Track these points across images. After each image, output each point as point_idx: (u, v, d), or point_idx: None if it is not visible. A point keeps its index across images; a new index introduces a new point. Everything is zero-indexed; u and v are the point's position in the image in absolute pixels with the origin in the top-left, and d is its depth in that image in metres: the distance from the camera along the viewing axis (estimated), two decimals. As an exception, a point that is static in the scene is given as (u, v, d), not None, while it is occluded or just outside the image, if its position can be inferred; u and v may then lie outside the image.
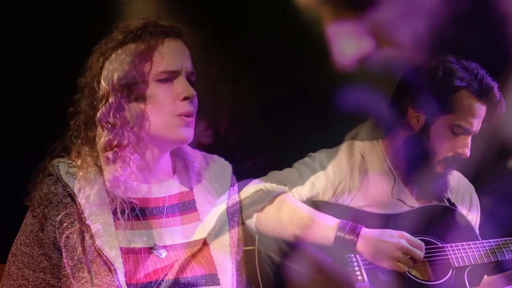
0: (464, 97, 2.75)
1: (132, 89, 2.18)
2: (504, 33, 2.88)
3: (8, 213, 2.49)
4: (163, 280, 2.18)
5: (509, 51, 2.89)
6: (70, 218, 2.17)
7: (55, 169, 2.22)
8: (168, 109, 2.20)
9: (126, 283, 2.13)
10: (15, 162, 2.76)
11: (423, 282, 2.61)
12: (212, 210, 2.32)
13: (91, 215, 2.15)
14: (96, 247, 2.13)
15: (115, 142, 2.18)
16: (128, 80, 2.17)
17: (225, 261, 2.27)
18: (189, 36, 2.28)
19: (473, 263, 2.66)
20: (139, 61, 2.18)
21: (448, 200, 2.88)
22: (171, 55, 2.22)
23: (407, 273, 2.50)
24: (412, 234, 2.53)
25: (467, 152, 2.78)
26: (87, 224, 2.14)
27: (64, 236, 2.16)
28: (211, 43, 2.60)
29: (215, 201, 2.35)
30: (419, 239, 2.55)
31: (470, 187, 3.01)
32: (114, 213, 2.18)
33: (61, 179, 2.20)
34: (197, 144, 3.05)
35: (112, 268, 2.12)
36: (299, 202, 2.56)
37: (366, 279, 2.48)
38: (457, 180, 2.96)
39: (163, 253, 2.22)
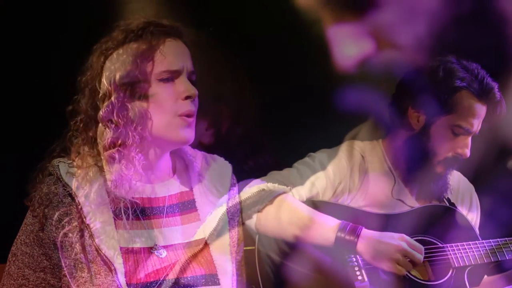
0: (465, 97, 2.76)
1: (134, 88, 2.18)
2: (504, 33, 2.88)
3: (8, 213, 2.49)
4: (163, 280, 2.18)
5: (509, 52, 2.89)
6: (70, 217, 2.17)
7: (55, 169, 2.22)
8: (170, 109, 2.20)
9: (126, 283, 2.13)
10: (15, 162, 2.76)
11: (423, 282, 2.61)
12: (213, 210, 2.32)
13: (90, 214, 2.15)
14: (95, 246, 2.13)
15: (119, 141, 2.18)
16: (130, 79, 2.18)
17: (225, 261, 2.28)
18: (189, 36, 2.29)
19: (473, 263, 2.66)
20: (141, 60, 2.18)
21: (448, 200, 2.88)
22: (172, 54, 2.22)
23: (407, 273, 2.50)
24: (412, 234, 2.53)
25: (467, 152, 2.78)
26: (87, 223, 2.14)
27: (64, 235, 2.15)
28: (211, 43, 2.60)
29: (216, 201, 2.35)
30: (419, 239, 2.56)
31: (470, 187, 3.01)
32: (115, 213, 2.18)
33: (61, 179, 2.20)
34: (198, 144, 3.06)
35: (112, 268, 2.12)
36: (299, 202, 2.56)
37: (366, 279, 2.49)
38: (457, 180, 2.96)
39: (163, 253, 2.22)
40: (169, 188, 2.31)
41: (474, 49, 2.87)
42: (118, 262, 2.13)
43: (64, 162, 2.24)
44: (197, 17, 2.53)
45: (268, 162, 3.17)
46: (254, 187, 2.50)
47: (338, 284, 2.55)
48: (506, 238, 2.74)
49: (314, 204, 2.66)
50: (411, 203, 2.85)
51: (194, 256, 2.24)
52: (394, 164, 2.89)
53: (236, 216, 2.38)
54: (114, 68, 2.19)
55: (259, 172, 2.73)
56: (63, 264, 2.15)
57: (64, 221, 2.16)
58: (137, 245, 2.20)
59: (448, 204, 2.85)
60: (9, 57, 2.98)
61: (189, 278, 2.20)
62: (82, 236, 2.15)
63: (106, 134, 2.19)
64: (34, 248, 2.19)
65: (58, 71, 2.68)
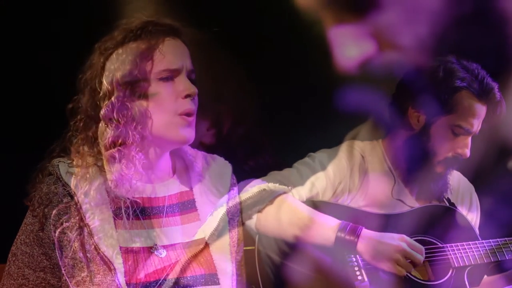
0: (465, 97, 2.75)
1: (134, 87, 2.19)
2: (504, 34, 2.88)
3: (8, 213, 2.49)
4: (163, 280, 2.18)
5: (509, 52, 2.89)
6: (69, 215, 2.17)
7: (55, 168, 2.22)
8: (170, 107, 2.20)
9: (126, 283, 2.13)
10: (15, 162, 2.76)
11: (423, 282, 2.61)
12: (214, 210, 2.32)
13: (89, 212, 2.16)
14: (94, 245, 2.13)
15: (120, 140, 2.18)
16: (130, 79, 2.18)
17: (224, 261, 2.28)
18: (188, 35, 2.29)
19: (473, 263, 2.66)
20: (140, 60, 2.19)
21: (448, 200, 2.88)
22: (171, 53, 2.23)
23: (407, 273, 2.50)
24: (412, 234, 2.53)
25: (467, 152, 2.78)
26: (86, 221, 2.15)
27: (62, 232, 2.16)
28: (211, 42, 2.60)
29: (216, 201, 2.35)
30: (419, 239, 2.56)
31: (470, 187, 3.01)
32: (114, 212, 2.18)
33: (61, 179, 2.20)
34: (199, 144, 3.05)
35: (112, 267, 2.13)
36: (299, 203, 2.56)
37: (366, 279, 2.49)
38: (457, 180, 2.96)
39: (163, 253, 2.22)
40: (169, 188, 2.31)
41: (475, 49, 2.87)
42: (118, 262, 2.13)
43: (64, 162, 2.24)
44: (198, 17, 2.53)
45: (268, 162, 3.17)
46: (255, 187, 2.50)
47: (338, 284, 2.54)
48: (506, 238, 2.74)
49: (314, 204, 2.66)
50: (411, 203, 2.85)
51: (194, 256, 2.24)
52: (394, 164, 2.89)
53: (236, 216, 2.38)
54: (113, 68, 2.19)
55: (259, 172, 2.73)
56: (60, 263, 2.15)
57: (63, 219, 2.16)
58: (137, 244, 2.20)
59: (448, 204, 2.85)
60: (9, 57, 2.97)
61: (189, 278, 2.20)
62: (80, 234, 2.15)
63: (106, 134, 2.19)
64: (34, 248, 2.19)
65: (58, 71, 2.68)
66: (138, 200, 2.22)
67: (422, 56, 2.81)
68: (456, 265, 2.64)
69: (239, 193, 2.45)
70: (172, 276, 2.19)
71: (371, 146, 2.92)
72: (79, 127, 2.25)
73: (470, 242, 2.70)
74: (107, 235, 2.15)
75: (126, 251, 2.17)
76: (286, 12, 2.98)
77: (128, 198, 2.19)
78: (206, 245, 2.27)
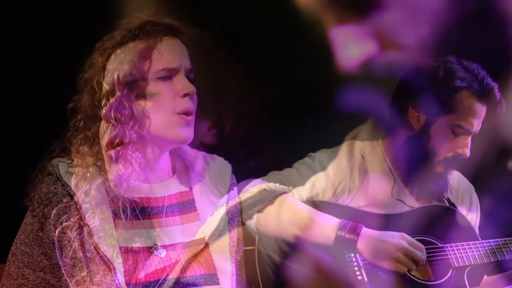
0: (465, 97, 2.76)
1: (133, 86, 2.19)
2: (505, 34, 2.88)
3: (8, 213, 2.49)
4: (163, 280, 2.18)
5: (509, 52, 2.89)
6: (69, 216, 2.17)
7: (54, 168, 2.22)
8: (168, 107, 2.20)
9: (126, 283, 2.13)
10: (15, 162, 2.76)
11: (423, 282, 2.61)
12: (214, 210, 2.32)
13: (89, 211, 2.16)
14: (94, 244, 2.13)
15: (117, 140, 2.18)
16: (128, 78, 2.18)
17: (224, 261, 2.28)
18: (188, 35, 2.29)
19: (473, 263, 2.66)
20: (139, 59, 2.19)
21: (448, 200, 2.88)
22: (169, 53, 2.23)
23: (407, 273, 2.50)
24: (412, 234, 2.53)
25: (467, 152, 2.78)
26: (86, 221, 2.15)
27: (62, 232, 2.16)
28: (212, 42, 2.60)
29: (217, 201, 2.35)
30: (419, 239, 2.56)
31: (470, 187, 3.01)
32: (114, 212, 2.18)
33: (60, 179, 2.21)
34: (200, 144, 3.05)
35: (112, 267, 2.13)
36: (300, 202, 2.56)
37: (366, 278, 2.49)
38: (457, 180, 2.96)
39: (163, 253, 2.22)
40: (168, 188, 2.31)
41: (475, 49, 2.87)
42: (118, 262, 2.13)
43: (64, 162, 2.24)
44: (198, 17, 2.53)
45: (268, 162, 3.17)
46: (255, 187, 2.50)
47: (338, 284, 2.54)
48: (506, 238, 2.74)
49: (314, 204, 2.66)
50: (411, 203, 2.85)
51: (194, 256, 2.24)
52: (394, 164, 2.89)
53: (236, 216, 2.38)
54: (112, 68, 2.19)
55: (259, 172, 2.73)
56: (60, 263, 2.15)
57: (62, 218, 2.16)
58: (137, 244, 2.20)
59: (448, 204, 2.85)
60: (9, 57, 2.97)
61: (188, 278, 2.20)
62: (80, 233, 2.15)
63: (106, 133, 2.20)
64: (33, 248, 2.19)
65: (58, 71, 2.68)
66: (137, 200, 2.22)
67: (423, 56, 2.81)
68: (456, 265, 2.64)
69: (239, 193, 2.45)
70: (172, 276, 2.19)
71: (371, 146, 2.92)
72: (79, 127, 2.25)
73: (470, 242, 2.70)
74: (107, 235, 2.15)
75: (126, 251, 2.17)
76: (286, 12, 2.99)
77: (127, 198, 2.19)
78: (206, 245, 2.27)
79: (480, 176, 2.98)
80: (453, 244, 2.68)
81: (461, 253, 2.66)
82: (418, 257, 2.45)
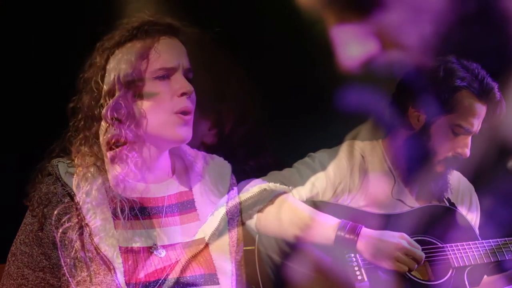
0: (465, 97, 2.75)
1: (132, 86, 2.19)
2: (505, 34, 2.88)
3: (8, 213, 2.49)
4: (163, 280, 2.18)
5: (509, 52, 2.89)
6: (69, 215, 2.17)
7: (54, 168, 2.22)
8: (166, 106, 2.20)
9: (126, 283, 2.13)
10: (15, 162, 2.76)
11: (423, 282, 2.61)
12: (214, 210, 2.32)
13: (90, 212, 2.16)
14: (94, 245, 2.13)
15: (114, 140, 2.19)
16: (126, 78, 2.18)
17: (224, 261, 2.28)
18: (187, 35, 2.29)
19: (473, 263, 2.66)
20: (136, 59, 2.19)
21: (448, 200, 2.87)
22: (167, 52, 2.22)
23: (407, 273, 2.50)
24: (412, 234, 2.53)
25: (467, 152, 2.78)
26: (86, 221, 2.15)
27: (63, 233, 2.16)
28: (212, 42, 2.60)
29: (217, 201, 2.35)
30: (419, 239, 2.56)
31: (470, 187, 3.01)
32: (113, 212, 2.18)
33: (60, 179, 2.21)
34: (201, 144, 3.05)
35: (111, 267, 2.13)
36: (300, 202, 2.56)
37: (366, 278, 2.49)
38: (457, 180, 2.96)
39: (163, 253, 2.22)
40: (168, 188, 2.31)
41: (475, 49, 2.87)
42: (118, 262, 2.13)
43: (63, 162, 2.24)
44: (198, 17, 2.53)
45: (268, 162, 3.16)
46: (255, 187, 2.50)
47: (338, 284, 2.55)
48: (506, 238, 2.74)
49: (314, 204, 2.67)
50: (411, 203, 2.85)
51: (194, 256, 2.24)
52: (394, 164, 2.89)
53: (236, 216, 2.38)
54: (111, 68, 2.20)
55: (260, 172, 2.73)
56: (63, 263, 2.15)
57: (63, 219, 2.16)
58: (137, 244, 2.20)
59: (448, 204, 2.85)
60: (9, 56, 2.97)
61: (188, 278, 2.20)
62: (81, 234, 2.15)
63: (105, 133, 2.20)
64: (33, 248, 2.19)
65: (58, 71, 2.68)
66: (135, 200, 2.22)
67: (424, 55, 2.81)
68: (456, 265, 2.64)
69: (239, 193, 2.45)
70: (171, 276, 2.19)
71: (371, 146, 2.92)
72: (79, 127, 2.25)
73: (470, 242, 2.70)
74: (107, 235, 2.15)
75: (126, 251, 2.17)
76: (286, 12, 2.98)
77: (126, 198, 2.19)
78: (206, 245, 2.27)
79: (480, 176, 2.98)
80: (453, 244, 2.68)
81: (461, 253, 2.66)
82: (418, 256, 2.45)
